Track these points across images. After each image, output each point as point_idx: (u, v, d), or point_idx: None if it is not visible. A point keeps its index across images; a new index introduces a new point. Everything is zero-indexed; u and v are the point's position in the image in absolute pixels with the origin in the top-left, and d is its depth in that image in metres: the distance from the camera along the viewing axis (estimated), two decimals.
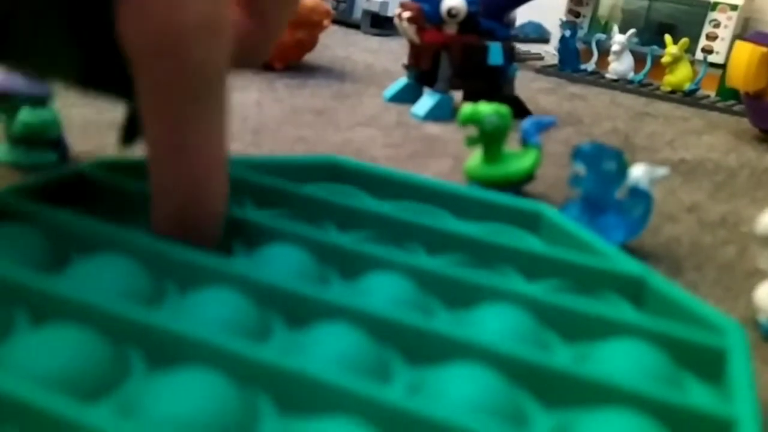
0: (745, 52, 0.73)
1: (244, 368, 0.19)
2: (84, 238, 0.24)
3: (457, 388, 0.19)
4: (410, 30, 0.68)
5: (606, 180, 0.38)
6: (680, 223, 0.45)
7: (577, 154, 0.38)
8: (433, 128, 0.63)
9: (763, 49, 0.72)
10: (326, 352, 0.20)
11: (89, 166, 0.30)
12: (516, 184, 0.46)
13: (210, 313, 0.21)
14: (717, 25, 1.07)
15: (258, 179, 0.31)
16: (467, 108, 0.44)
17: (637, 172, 0.39)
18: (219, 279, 0.23)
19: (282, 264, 0.25)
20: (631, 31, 1.04)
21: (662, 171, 0.39)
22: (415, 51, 0.71)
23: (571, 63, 1.09)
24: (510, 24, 0.71)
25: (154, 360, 0.20)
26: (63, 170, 0.29)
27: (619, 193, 0.38)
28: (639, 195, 0.38)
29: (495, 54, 0.69)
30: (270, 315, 0.23)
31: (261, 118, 0.58)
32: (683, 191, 0.53)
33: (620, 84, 1.04)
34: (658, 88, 1.02)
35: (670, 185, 0.54)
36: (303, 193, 0.31)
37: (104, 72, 0.26)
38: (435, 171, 0.50)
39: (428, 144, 0.57)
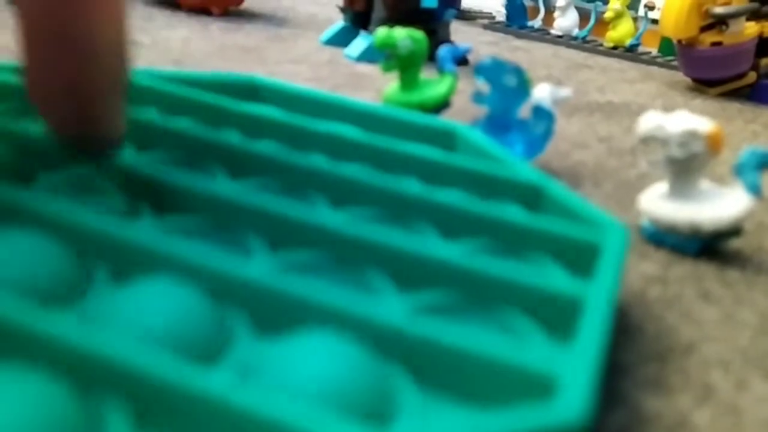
0: (677, 0, 0.74)
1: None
2: None
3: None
4: None
5: (507, 96, 0.38)
6: (590, 150, 0.46)
7: (478, 69, 0.38)
8: (364, 68, 0.63)
9: None
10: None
11: None
12: (432, 111, 0.46)
13: None
14: None
15: (166, 87, 0.30)
16: (381, 32, 0.44)
17: (541, 92, 0.39)
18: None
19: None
20: None
21: (565, 92, 0.40)
22: None
23: (518, 19, 1.10)
24: None
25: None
26: None
27: (523, 112, 0.39)
28: (541, 113, 0.39)
29: None
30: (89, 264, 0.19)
31: (186, 50, 0.57)
32: (601, 126, 0.54)
33: (564, 40, 1.04)
34: (600, 44, 1.03)
35: (590, 120, 0.55)
36: (206, 101, 0.30)
37: None
38: None
39: (354, 79, 0.57)
